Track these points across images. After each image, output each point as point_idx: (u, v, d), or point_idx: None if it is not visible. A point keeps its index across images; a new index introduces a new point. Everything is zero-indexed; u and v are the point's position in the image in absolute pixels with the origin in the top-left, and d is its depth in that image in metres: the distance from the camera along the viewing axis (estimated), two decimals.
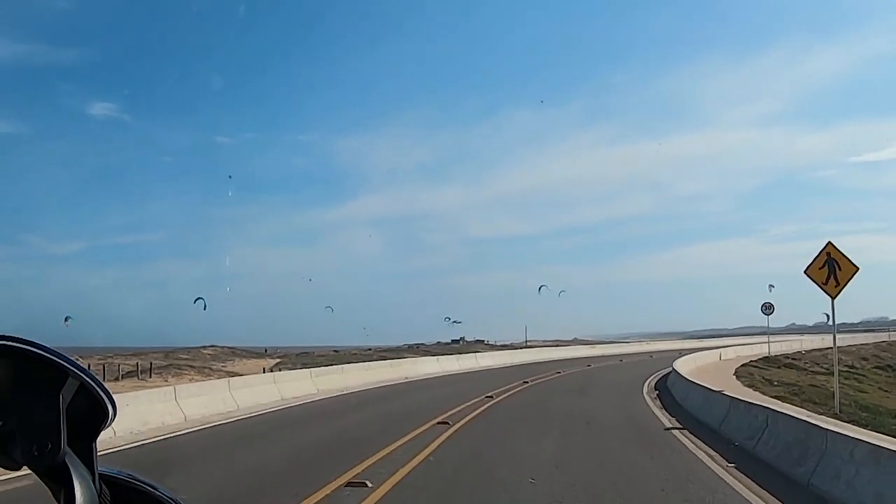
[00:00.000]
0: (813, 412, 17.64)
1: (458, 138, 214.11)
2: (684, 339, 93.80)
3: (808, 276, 16.49)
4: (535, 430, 14.33)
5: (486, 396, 21.01)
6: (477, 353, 41.03)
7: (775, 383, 24.51)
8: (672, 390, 22.45)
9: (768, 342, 44.22)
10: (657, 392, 23.01)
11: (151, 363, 42.89)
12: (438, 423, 14.89)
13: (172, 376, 49.46)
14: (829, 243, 16.36)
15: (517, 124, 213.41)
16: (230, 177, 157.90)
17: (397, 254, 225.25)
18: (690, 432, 13.52)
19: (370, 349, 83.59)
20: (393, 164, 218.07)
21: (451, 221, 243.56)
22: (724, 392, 14.90)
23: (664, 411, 17.81)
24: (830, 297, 16.30)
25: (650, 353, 53.59)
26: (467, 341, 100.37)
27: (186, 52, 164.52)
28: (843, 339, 67.74)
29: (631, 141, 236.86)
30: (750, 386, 23.70)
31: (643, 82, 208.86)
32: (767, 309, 42.87)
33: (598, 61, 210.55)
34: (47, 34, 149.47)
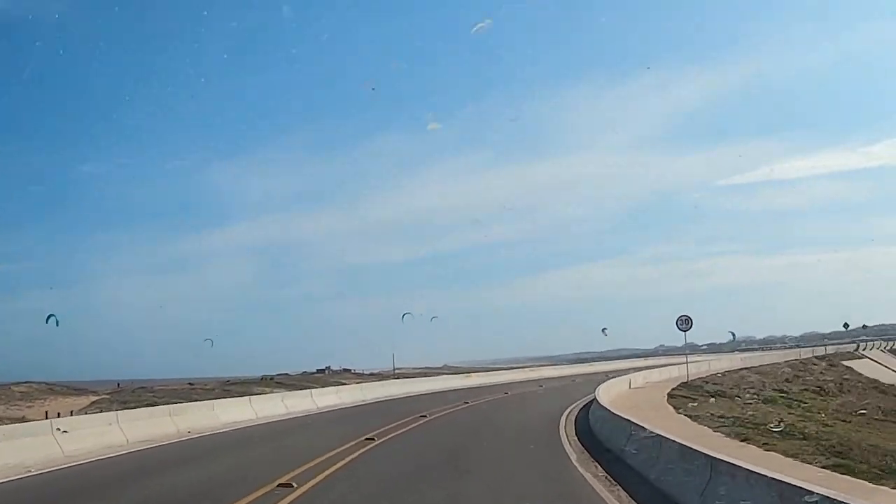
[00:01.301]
0: None
1: (334, 164, 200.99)
2: (561, 363, 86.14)
3: None
4: None
5: (281, 485, 10.32)
6: (313, 390, 29.44)
7: (774, 429, 14.92)
8: (625, 457, 12.18)
9: (686, 364, 35.72)
10: (595, 459, 12.66)
11: None
12: None
13: None
14: None
15: (392, 150, 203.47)
16: None
17: (270, 281, 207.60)
18: None
19: (228, 380, 72.28)
20: (268, 190, 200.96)
21: (327, 248, 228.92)
22: None
23: None
24: None
25: (538, 382, 44.10)
26: (333, 370, 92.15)
27: (52, 77, 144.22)
28: (750, 360, 61.68)
29: (504, 165, 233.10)
30: (743, 439, 13.96)
31: (515, 108, 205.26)
32: (684, 324, 34.25)
33: (469, 88, 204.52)
34: None
